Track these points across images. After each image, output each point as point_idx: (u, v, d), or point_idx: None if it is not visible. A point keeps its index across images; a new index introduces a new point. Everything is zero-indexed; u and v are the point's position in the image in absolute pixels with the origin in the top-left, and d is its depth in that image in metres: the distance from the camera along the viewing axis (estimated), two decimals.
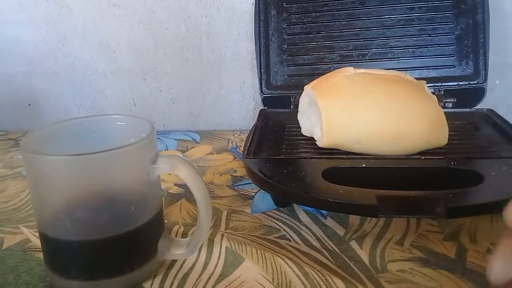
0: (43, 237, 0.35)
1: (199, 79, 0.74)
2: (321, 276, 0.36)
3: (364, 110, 0.45)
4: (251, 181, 0.53)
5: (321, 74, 0.61)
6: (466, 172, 0.42)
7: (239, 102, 0.74)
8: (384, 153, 0.45)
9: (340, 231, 0.43)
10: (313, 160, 0.46)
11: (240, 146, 0.67)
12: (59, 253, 0.35)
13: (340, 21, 0.62)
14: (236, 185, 0.55)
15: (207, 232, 0.38)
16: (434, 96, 0.48)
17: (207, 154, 0.65)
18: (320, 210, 0.47)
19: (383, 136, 0.45)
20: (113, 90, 0.76)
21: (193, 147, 0.68)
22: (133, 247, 0.36)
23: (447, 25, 0.59)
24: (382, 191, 0.37)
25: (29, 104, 0.78)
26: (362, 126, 0.45)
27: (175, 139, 0.70)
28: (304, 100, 0.51)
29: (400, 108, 0.45)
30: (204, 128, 0.75)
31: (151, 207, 0.37)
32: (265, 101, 0.64)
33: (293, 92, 0.62)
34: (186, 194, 0.52)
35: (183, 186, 0.54)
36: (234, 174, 0.58)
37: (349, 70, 0.48)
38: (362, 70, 0.47)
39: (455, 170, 0.42)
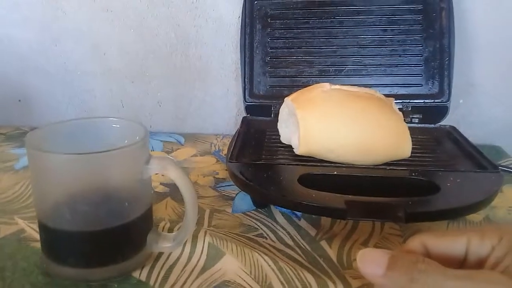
0: (43, 227, 0.39)
1: (186, 84, 0.77)
2: (294, 271, 0.41)
3: (338, 122, 0.50)
4: (232, 183, 0.58)
5: (301, 86, 0.66)
6: (425, 182, 0.47)
7: (222, 108, 0.78)
8: (354, 162, 0.50)
9: (312, 232, 0.48)
10: (290, 166, 0.50)
11: (223, 150, 0.71)
12: (58, 243, 0.39)
13: (319, 38, 0.67)
14: (218, 187, 0.59)
15: (192, 228, 0.42)
16: (401, 113, 0.53)
17: (191, 156, 0.69)
18: (295, 212, 0.51)
19: (353, 147, 0.50)
20: (102, 90, 0.79)
21: (178, 148, 0.71)
22: (125, 239, 0.39)
23: (417, 47, 0.65)
24: (350, 196, 0.42)
25: (19, 100, 0.81)
26: (336, 137, 0.50)
27: (161, 141, 0.74)
28: (284, 111, 0.55)
29: (370, 122, 0.50)
30: (189, 131, 0.79)
31: (143, 204, 0.41)
32: (247, 108, 0.68)
33: (274, 101, 0.66)
34: (171, 193, 0.56)
35: (169, 185, 0.58)
36: (216, 176, 0.62)
37: (326, 86, 0.52)
38: (337, 86, 0.52)
39: (416, 180, 0.48)
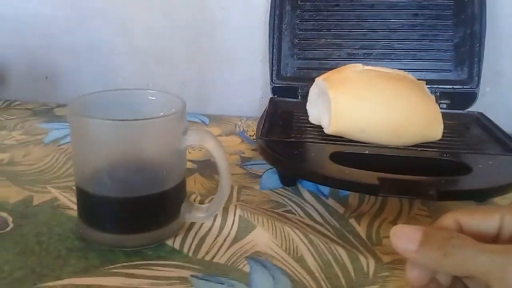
0: (82, 193, 0.39)
1: (211, 66, 0.78)
2: (324, 244, 0.41)
3: (370, 103, 0.50)
4: (258, 162, 0.59)
5: (328, 69, 0.65)
6: (456, 164, 0.47)
7: (247, 91, 0.79)
8: (384, 143, 0.50)
9: (340, 210, 0.48)
10: (321, 144, 0.50)
11: (247, 131, 0.72)
12: (96, 208, 0.40)
13: (349, 21, 0.67)
14: (245, 165, 0.59)
15: (225, 199, 0.42)
16: (433, 96, 0.53)
17: (216, 136, 0.69)
18: (322, 191, 0.51)
19: (384, 127, 0.50)
20: (128, 70, 0.80)
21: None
22: (161, 207, 0.40)
23: (447, 33, 0.65)
24: (382, 174, 0.42)
25: (46, 77, 0.82)
26: (367, 117, 0.50)
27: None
28: (313, 91, 0.56)
29: (402, 103, 0.50)
30: (212, 112, 0.80)
31: (178, 173, 0.41)
32: (274, 90, 0.68)
33: (301, 84, 0.66)
34: (199, 169, 0.57)
35: (197, 162, 0.58)
36: (242, 155, 0.62)
37: (358, 66, 0.52)
38: (369, 67, 0.52)
39: (447, 161, 0.48)
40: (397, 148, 0.50)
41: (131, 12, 0.76)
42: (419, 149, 0.50)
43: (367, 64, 0.61)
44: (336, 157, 0.46)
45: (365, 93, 0.51)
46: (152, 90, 0.44)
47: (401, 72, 0.53)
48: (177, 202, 0.42)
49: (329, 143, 0.51)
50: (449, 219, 0.31)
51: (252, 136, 0.69)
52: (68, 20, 0.78)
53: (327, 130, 0.52)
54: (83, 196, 0.40)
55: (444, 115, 0.60)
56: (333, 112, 0.50)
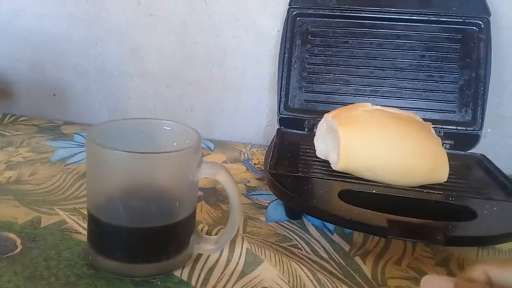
0: (95, 220, 0.40)
1: (219, 92, 0.79)
2: (331, 282, 0.42)
3: (378, 142, 0.51)
4: (264, 192, 0.59)
5: (335, 104, 0.68)
6: (462, 208, 0.48)
7: (253, 119, 0.80)
8: (391, 183, 0.51)
9: (346, 247, 0.49)
10: (330, 181, 0.51)
11: (252, 159, 0.72)
12: (107, 236, 0.40)
13: (357, 58, 0.68)
14: (251, 194, 0.60)
15: (234, 232, 0.43)
16: (439, 138, 0.54)
17: (221, 162, 0.70)
18: (327, 226, 0.52)
19: (392, 167, 0.51)
20: (137, 92, 0.81)
21: (208, 154, 0.73)
22: (172, 238, 0.41)
23: (453, 75, 0.66)
24: (391, 215, 0.43)
25: (54, 94, 0.82)
26: (375, 156, 0.51)
27: None
28: (322, 126, 0.57)
29: (410, 145, 0.51)
30: (216, 137, 0.80)
31: (190, 205, 0.42)
32: (281, 121, 0.69)
33: (308, 116, 0.68)
34: (205, 197, 0.57)
35: (203, 189, 0.59)
36: (247, 184, 0.63)
37: (368, 105, 0.54)
38: (379, 107, 0.54)
39: (452, 205, 0.49)
40: (403, 188, 0.51)
41: (145, 35, 0.77)
42: (425, 190, 0.51)
43: (374, 101, 0.63)
44: (344, 195, 0.47)
45: (374, 133, 0.52)
46: (167, 120, 0.45)
47: (409, 113, 0.55)
48: (187, 233, 0.42)
49: (337, 180, 0.52)
50: (478, 271, 0.32)
51: (257, 164, 0.70)
52: (81, 40, 0.79)
53: (335, 167, 0.53)
54: (94, 223, 0.40)
55: (447, 156, 0.61)
56: (342, 150, 0.51)
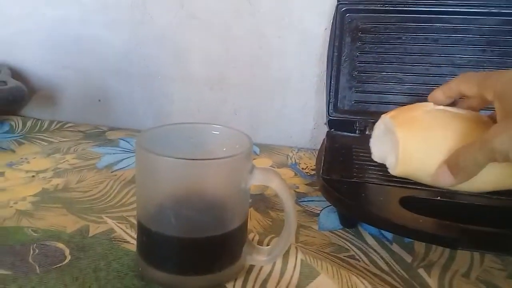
0: (145, 230, 0.38)
1: (264, 94, 0.77)
2: None
3: (441, 145, 0.47)
4: (315, 199, 0.56)
5: (388, 104, 0.64)
6: None
7: (299, 121, 0.77)
8: (456, 189, 0.47)
9: (407, 258, 0.45)
10: (389, 187, 0.48)
11: (299, 163, 0.70)
12: (158, 247, 0.38)
13: (411, 55, 0.64)
14: (301, 201, 0.57)
15: (289, 243, 0.40)
16: None
17: (269, 167, 0.67)
18: (385, 234, 0.49)
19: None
20: (180, 95, 0.80)
21: (254, 158, 0.70)
22: (224, 249, 0.38)
23: None
24: (461, 225, 0.39)
25: (99, 100, 0.82)
26: (437, 160, 0.47)
27: None
28: (379, 128, 0.53)
29: None
30: (261, 141, 0.78)
31: (242, 213, 0.40)
32: (330, 123, 0.66)
33: (359, 117, 0.64)
34: (253, 203, 0.55)
35: (251, 196, 0.57)
36: (297, 190, 0.60)
37: (429, 105, 0.50)
38: (441, 107, 0.50)
39: None
40: (470, 195, 0.47)
41: (189, 38, 0.76)
42: (494, 197, 0.47)
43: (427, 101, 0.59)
44: (406, 202, 0.44)
45: (437, 135, 0.47)
46: (216, 125, 0.43)
47: (476, 112, 0.51)
48: (240, 243, 0.40)
49: (396, 185, 0.48)
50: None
51: (305, 169, 0.67)
52: (125, 45, 0.79)
53: (393, 171, 0.50)
54: (145, 233, 0.38)
55: None
56: (401, 153, 0.48)
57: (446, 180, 0.40)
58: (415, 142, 0.47)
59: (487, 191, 0.48)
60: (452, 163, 0.40)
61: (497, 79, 0.39)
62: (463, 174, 0.39)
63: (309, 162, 0.70)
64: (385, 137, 0.52)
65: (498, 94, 0.39)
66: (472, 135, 0.47)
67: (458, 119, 0.48)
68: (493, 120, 0.42)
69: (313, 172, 0.66)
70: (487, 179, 0.46)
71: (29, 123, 0.78)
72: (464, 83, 0.43)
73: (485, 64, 0.62)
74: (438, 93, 0.46)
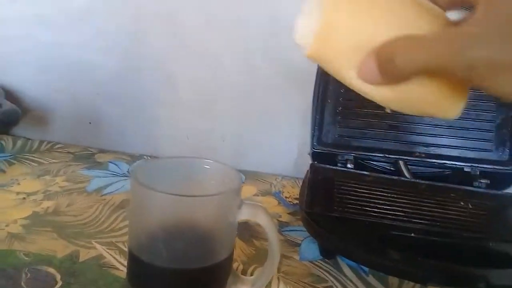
0: (137, 260, 0.40)
1: (250, 123, 0.80)
2: None
3: (374, 27, 0.32)
4: (297, 229, 0.59)
5: (369, 139, 0.67)
6: (504, 254, 0.47)
7: (284, 151, 0.80)
8: (377, 98, 0.34)
9: None
10: (368, 222, 0.51)
11: (283, 192, 0.72)
12: (149, 276, 0.40)
13: None
14: (284, 231, 0.59)
15: (272, 274, 0.43)
16: None
17: (253, 195, 0.70)
18: (362, 267, 0.51)
19: None
20: (170, 121, 0.82)
21: None
22: (212, 279, 0.41)
23: (490, 113, 0.66)
24: (431, 261, 0.42)
25: (89, 123, 0.84)
26: (364, 46, 0.31)
27: None
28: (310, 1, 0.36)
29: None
30: (247, 168, 0.81)
31: (230, 245, 0.42)
32: (314, 155, 0.69)
33: (341, 151, 0.67)
34: (238, 232, 0.56)
35: None
36: (279, 219, 0.63)
37: None
38: None
39: (492, 251, 0.48)
40: (443, 232, 0.50)
41: (180, 65, 0.79)
42: (464, 234, 0.50)
43: (409, 139, 0.63)
44: (382, 238, 0.47)
45: (372, 11, 0.32)
46: (207, 159, 0.46)
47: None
48: (226, 274, 0.42)
49: (375, 221, 0.51)
50: None
51: (288, 198, 0.70)
52: (117, 70, 0.81)
53: (306, 51, 0.35)
54: (136, 262, 0.40)
55: (483, 196, 0.60)
56: (320, 26, 0.33)
57: (368, 76, 0.30)
58: (341, 14, 0.33)
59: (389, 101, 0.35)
60: (385, 56, 0.29)
61: None
62: (393, 75, 0.29)
63: (292, 191, 0.73)
64: (314, 12, 0.36)
65: None
66: (421, 26, 0.32)
67: (420, 5, 0.33)
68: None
69: (296, 201, 0.69)
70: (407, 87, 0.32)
71: (19, 143, 0.80)
72: None
73: None
74: None
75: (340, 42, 0.32)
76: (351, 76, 0.33)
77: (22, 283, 0.43)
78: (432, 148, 0.67)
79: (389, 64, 0.29)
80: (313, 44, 0.33)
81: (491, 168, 0.64)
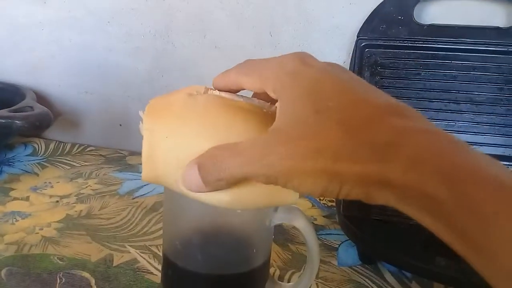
0: (171, 265, 0.39)
1: None
2: None
3: (195, 140, 0.33)
4: (333, 232, 0.57)
5: None
6: None
7: None
8: (217, 203, 0.33)
9: None
10: (409, 225, 0.48)
11: None
12: (184, 281, 0.39)
13: (430, 91, 0.65)
14: (320, 234, 0.58)
15: (312, 281, 0.41)
16: None
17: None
18: (404, 273, 0.49)
19: None
20: None
21: None
22: (248, 286, 0.39)
23: None
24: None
25: (120, 125, 0.84)
26: (185, 160, 0.32)
27: None
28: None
29: None
30: None
31: (266, 250, 0.40)
32: None
33: None
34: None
35: None
36: (315, 222, 0.61)
37: (200, 88, 0.37)
38: (216, 92, 0.36)
39: None
40: None
41: (210, 67, 0.78)
42: None
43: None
44: (427, 242, 0.44)
45: (191, 125, 0.33)
46: None
47: (262, 102, 0.35)
48: (263, 280, 0.41)
49: (417, 224, 0.49)
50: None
51: (322, 200, 0.68)
52: (147, 73, 0.80)
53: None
54: (170, 267, 0.39)
55: None
56: (144, 150, 0.35)
57: (192, 184, 0.30)
58: (162, 134, 0.34)
59: (261, 207, 0.37)
60: (205, 163, 0.29)
61: (279, 67, 0.29)
62: (215, 181, 0.29)
63: None
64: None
65: (277, 92, 0.29)
66: (238, 130, 0.33)
67: (231, 109, 0.34)
68: None
69: (331, 204, 0.66)
70: (251, 190, 0.32)
71: (51, 146, 0.80)
72: (245, 76, 0.33)
73: (502, 102, 0.63)
74: (219, 77, 0.36)
75: (164, 161, 0.33)
76: (178, 188, 0.33)
77: None
78: (474, 146, 0.63)
79: (209, 171, 0.29)
80: (143, 171, 0.35)
81: None
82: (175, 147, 0.33)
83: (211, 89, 0.36)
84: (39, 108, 0.67)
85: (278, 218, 0.39)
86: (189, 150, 0.32)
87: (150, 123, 0.35)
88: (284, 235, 0.56)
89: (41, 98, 0.82)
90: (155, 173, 0.35)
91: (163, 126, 0.34)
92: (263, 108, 0.34)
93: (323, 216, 0.63)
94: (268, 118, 0.33)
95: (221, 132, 0.32)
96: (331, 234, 0.58)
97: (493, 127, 0.63)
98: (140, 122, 0.35)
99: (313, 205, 0.66)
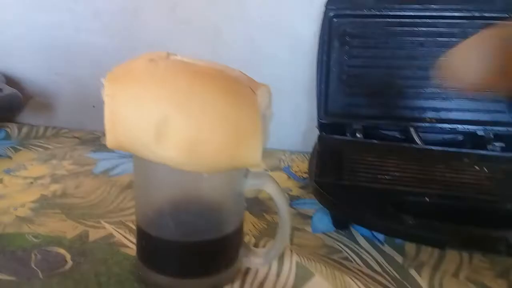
0: (145, 235, 0.39)
1: None
2: None
3: (155, 105, 0.33)
4: (307, 202, 0.58)
5: (378, 106, 0.66)
6: None
7: (291, 124, 0.78)
8: (177, 165, 0.34)
9: (398, 258, 0.47)
10: (380, 189, 0.49)
11: (292, 166, 0.71)
12: (158, 251, 0.39)
13: (399, 59, 0.66)
14: (294, 204, 0.58)
15: (284, 245, 0.42)
16: (271, 111, 0.41)
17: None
18: (377, 236, 0.50)
19: (174, 143, 0.33)
20: None
21: None
22: (222, 252, 0.40)
23: None
24: (449, 225, 0.41)
25: (93, 106, 0.83)
26: (149, 126, 0.33)
27: None
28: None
29: (197, 109, 0.33)
30: None
31: (238, 217, 0.41)
32: (321, 126, 0.68)
33: (349, 120, 0.66)
34: (249, 207, 0.56)
35: (247, 200, 0.58)
36: (290, 193, 0.62)
37: (161, 55, 0.37)
38: (177, 57, 0.37)
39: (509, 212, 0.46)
40: (457, 197, 0.48)
41: (180, 43, 0.77)
42: (480, 197, 0.49)
43: (418, 103, 0.61)
44: (397, 204, 0.46)
45: (151, 92, 0.34)
46: None
47: (226, 67, 0.37)
48: (236, 246, 0.41)
49: (387, 187, 0.50)
50: None
51: (298, 172, 0.69)
52: (117, 51, 0.79)
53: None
54: (144, 238, 0.40)
55: (499, 159, 0.59)
56: (108, 117, 0.36)
57: None
58: (124, 99, 0.35)
59: (220, 170, 0.37)
60: None
61: None
62: None
63: (302, 165, 0.72)
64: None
65: None
66: (200, 92, 0.34)
67: (191, 73, 0.35)
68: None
69: (305, 175, 0.67)
70: (209, 151, 0.34)
71: (24, 130, 0.79)
72: None
73: None
74: None
75: (126, 127, 0.35)
76: (146, 154, 0.34)
77: (32, 264, 0.42)
78: (443, 112, 0.65)
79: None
80: (107, 138, 0.36)
81: (505, 130, 0.63)
82: (136, 112, 0.34)
83: (173, 54, 0.36)
84: (8, 90, 0.66)
85: (249, 184, 0.40)
86: (150, 114, 0.33)
87: (111, 89, 0.35)
88: (260, 206, 0.57)
89: (11, 82, 0.81)
90: (120, 139, 0.36)
91: (124, 91, 0.35)
92: (223, 72, 0.36)
93: (298, 187, 0.64)
94: (228, 81, 0.35)
95: (180, 96, 0.33)
96: (305, 203, 0.58)
97: (459, 92, 0.64)
98: (102, 88, 0.35)
99: (288, 178, 0.67)
